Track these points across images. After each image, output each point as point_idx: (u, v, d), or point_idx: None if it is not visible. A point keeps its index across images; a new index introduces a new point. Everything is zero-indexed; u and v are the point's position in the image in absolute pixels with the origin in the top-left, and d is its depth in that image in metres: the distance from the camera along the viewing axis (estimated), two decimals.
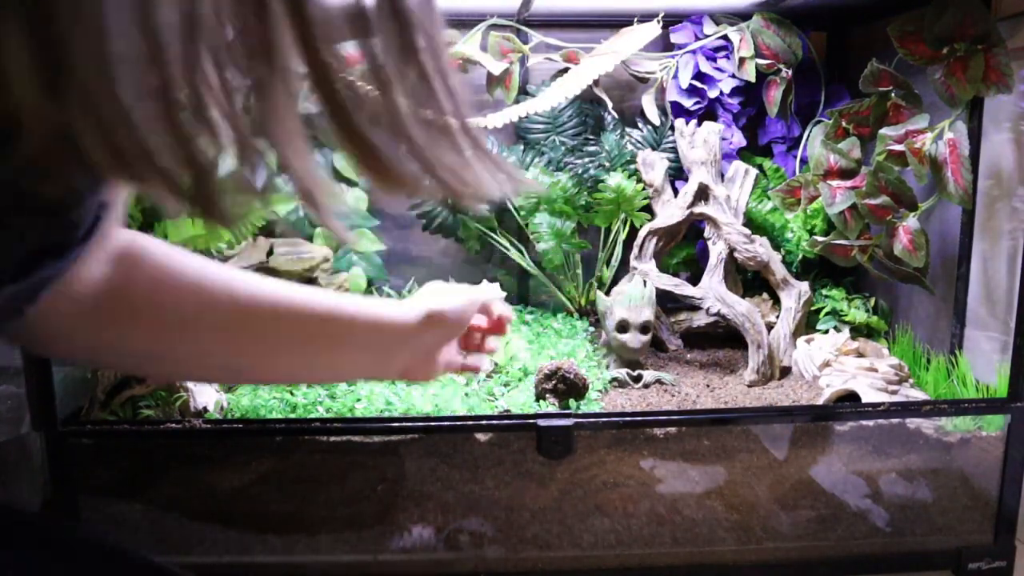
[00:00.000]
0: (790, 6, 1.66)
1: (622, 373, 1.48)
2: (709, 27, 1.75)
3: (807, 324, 1.66)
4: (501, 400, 1.34)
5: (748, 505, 1.23)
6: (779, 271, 1.64)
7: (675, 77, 1.77)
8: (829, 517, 1.25)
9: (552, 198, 1.76)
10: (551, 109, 1.72)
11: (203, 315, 0.59)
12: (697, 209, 1.68)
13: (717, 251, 1.66)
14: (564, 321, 1.80)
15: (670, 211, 1.69)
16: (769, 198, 1.75)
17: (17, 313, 0.46)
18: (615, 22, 1.77)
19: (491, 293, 0.88)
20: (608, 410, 1.36)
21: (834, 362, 1.47)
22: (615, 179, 1.75)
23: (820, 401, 1.39)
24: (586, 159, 1.80)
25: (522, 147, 1.83)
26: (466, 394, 1.36)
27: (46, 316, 0.52)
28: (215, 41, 0.35)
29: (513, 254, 1.86)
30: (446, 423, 1.20)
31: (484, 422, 1.21)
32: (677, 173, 1.79)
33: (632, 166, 1.79)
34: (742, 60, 1.69)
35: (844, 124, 1.54)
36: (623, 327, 1.53)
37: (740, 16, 1.73)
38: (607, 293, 1.61)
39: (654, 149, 1.81)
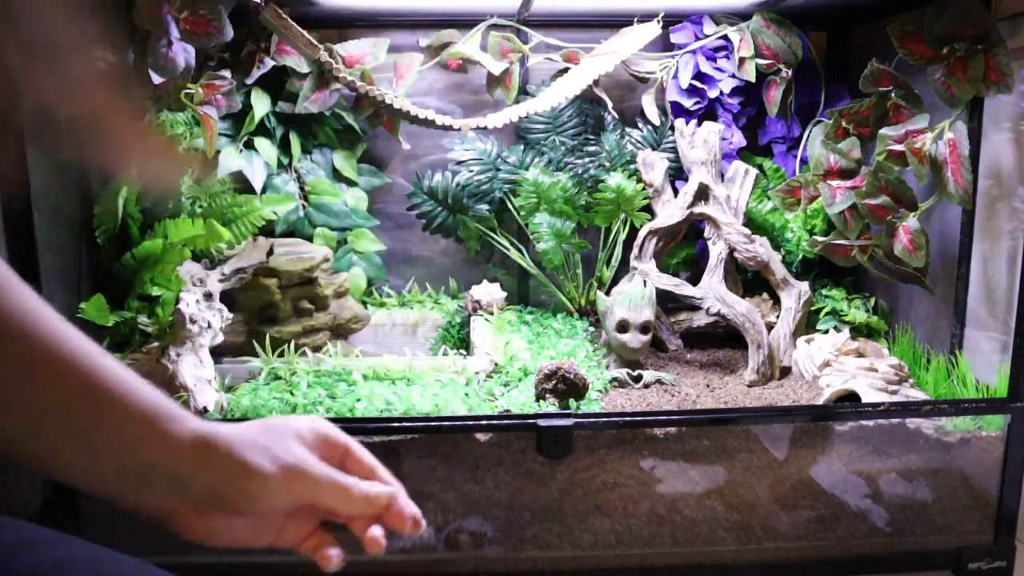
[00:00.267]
0: (790, 6, 1.66)
1: (622, 373, 1.48)
2: (709, 27, 1.75)
3: (807, 324, 1.66)
4: (501, 400, 1.34)
5: (748, 505, 1.23)
6: (779, 271, 1.64)
7: (675, 77, 1.77)
8: (829, 517, 1.25)
9: (552, 198, 1.76)
10: (551, 109, 1.72)
11: None
12: (697, 209, 1.67)
13: (717, 251, 1.66)
14: (564, 321, 1.80)
15: (670, 211, 1.69)
16: (769, 198, 1.75)
17: None
18: (615, 22, 1.77)
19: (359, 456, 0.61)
20: (608, 410, 1.36)
21: (834, 362, 1.47)
22: (615, 179, 1.75)
23: (820, 401, 1.39)
24: (586, 159, 1.80)
25: (522, 147, 1.83)
26: (466, 394, 1.35)
27: None
28: None
29: (513, 254, 1.86)
30: (446, 423, 1.20)
31: (484, 422, 1.21)
32: (677, 173, 1.79)
33: (632, 166, 1.79)
34: (742, 60, 1.69)
35: (844, 124, 1.54)
36: (623, 327, 1.52)
37: (740, 16, 1.73)
38: (607, 293, 1.61)
39: (654, 149, 1.81)
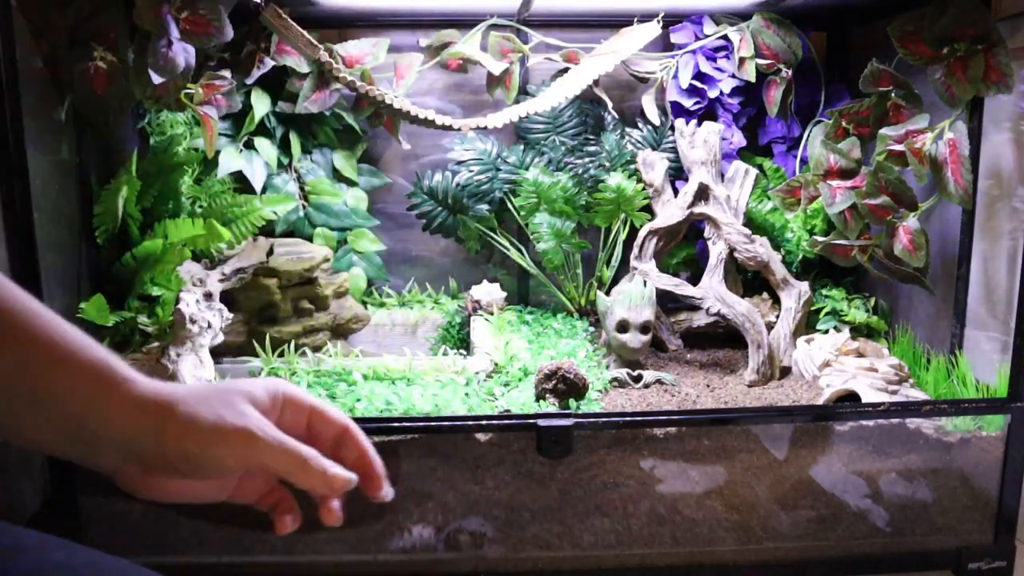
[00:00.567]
0: (790, 6, 1.66)
1: (622, 373, 1.48)
2: (709, 27, 1.75)
3: (807, 324, 1.66)
4: (501, 400, 1.34)
5: (748, 505, 1.23)
6: (779, 271, 1.64)
7: (675, 77, 1.77)
8: (829, 517, 1.25)
9: (552, 198, 1.76)
10: (551, 109, 1.72)
11: None
12: (697, 209, 1.68)
13: (717, 251, 1.66)
14: (564, 321, 1.80)
15: (670, 211, 1.69)
16: (769, 198, 1.75)
17: None
18: (615, 22, 1.77)
19: (302, 398, 0.59)
20: (608, 410, 1.36)
21: (834, 362, 1.47)
22: (615, 179, 1.75)
23: (820, 401, 1.39)
24: (586, 159, 1.80)
25: (522, 147, 1.83)
26: (466, 394, 1.35)
27: None
28: None
29: (513, 254, 1.86)
30: (446, 423, 1.20)
31: (484, 422, 1.21)
32: (677, 173, 1.79)
33: (632, 166, 1.79)
34: (742, 60, 1.69)
35: (844, 124, 1.54)
36: (623, 327, 1.52)
37: (740, 16, 1.73)
38: (607, 293, 1.61)
39: (654, 149, 1.81)
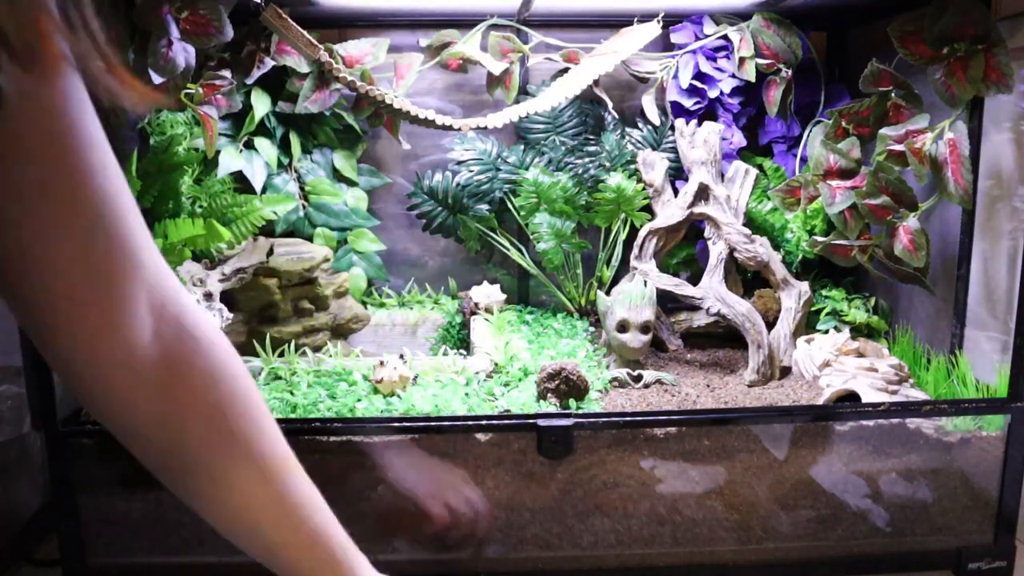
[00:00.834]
0: (790, 6, 1.66)
1: (622, 373, 1.48)
2: (709, 27, 1.75)
3: (807, 324, 1.66)
4: (501, 400, 1.34)
5: (748, 505, 1.23)
6: (779, 271, 1.64)
7: (675, 77, 1.77)
8: (829, 517, 1.25)
9: (552, 198, 1.76)
10: (551, 109, 1.72)
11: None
12: (697, 209, 1.68)
13: (717, 251, 1.66)
14: (564, 321, 1.80)
15: (670, 211, 1.69)
16: (769, 198, 1.75)
17: None
18: (615, 22, 1.77)
19: None
20: (608, 410, 1.36)
21: (834, 362, 1.47)
22: (615, 179, 1.75)
23: (820, 401, 1.39)
24: (586, 159, 1.80)
25: (522, 147, 1.83)
26: (466, 394, 1.35)
27: (108, 380, 0.55)
28: None
29: (513, 254, 1.86)
30: (446, 423, 1.20)
31: (484, 422, 1.21)
32: (677, 173, 1.79)
33: (632, 166, 1.79)
34: (742, 60, 1.69)
35: (844, 124, 1.54)
36: (623, 327, 1.53)
37: (740, 16, 1.73)
38: (607, 293, 1.61)
39: (654, 149, 1.81)
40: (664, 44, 1.80)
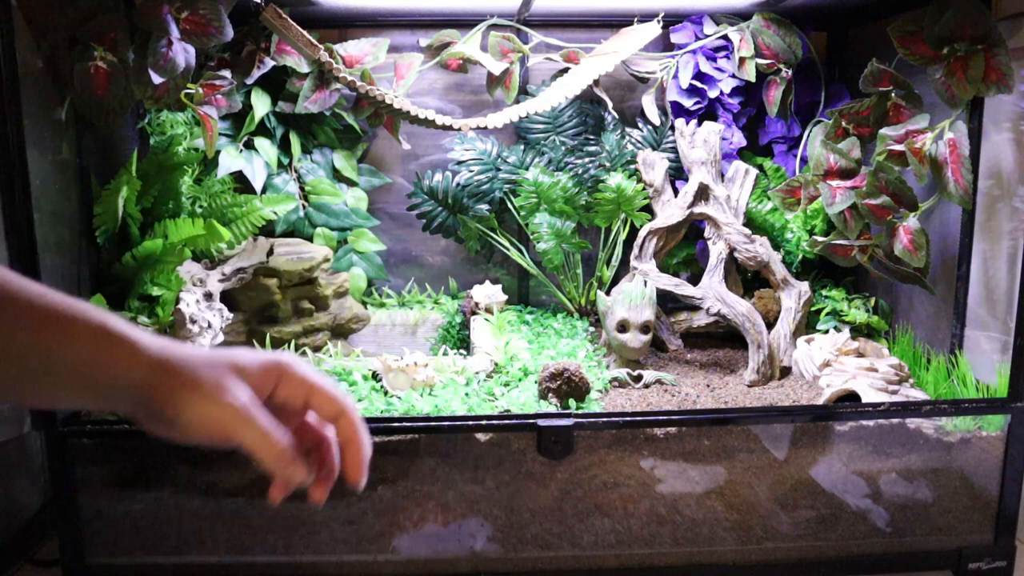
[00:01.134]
0: (790, 6, 1.66)
1: (622, 373, 1.48)
2: (709, 27, 1.75)
3: (807, 324, 1.66)
4: (501, 400, 1.34)
5: (748, 505, 1.23)
6: (779, 271, 1.64)
7: (675, 77, 1.77)
8: (829, 517, 1.25)
9: (552, 198, 1.76)
10: (551, 109, 1.72)
11: None
12: (697, 209, 1.68)
13: (717, 251, 1.66)
14: (564, 321, 1.80)
15: (670, 211, 1.69)
16: (769, 198, 1.75)
17: None
18: (615, 22, 1.77)
19: (300, 369, 0.60)
20: (608, 410, 1.36)
21: (834, 362, 1.47)
22: (615, 179, 1.75)
23: (820, 401, 1.39)
24: (586, 159, 1.80)
25: (522, 147, 1.83)
26: (466, 394, 1.35)
27: None
28: None
29: (513, 254, 1.86)
30: (446, 423, 1.20)
31: (484, 422, 1.21)
32: (677, 173, 1.79)
33: (632, 166, 1.79)
34: (742, 60, 1.69)
35: (844, 124, 1.54)
36: (623, 327, 1.53)
37: (740, 16, 1.73)
38: (607, 293, 1.61)
39: (654, 149, 1.81)
40: (664, 44, 1.80)
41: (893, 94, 1.46)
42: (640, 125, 1.83)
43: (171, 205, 1.53)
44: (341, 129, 1.82)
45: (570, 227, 1.78)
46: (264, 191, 1.69)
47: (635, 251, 1.70)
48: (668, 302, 1.74)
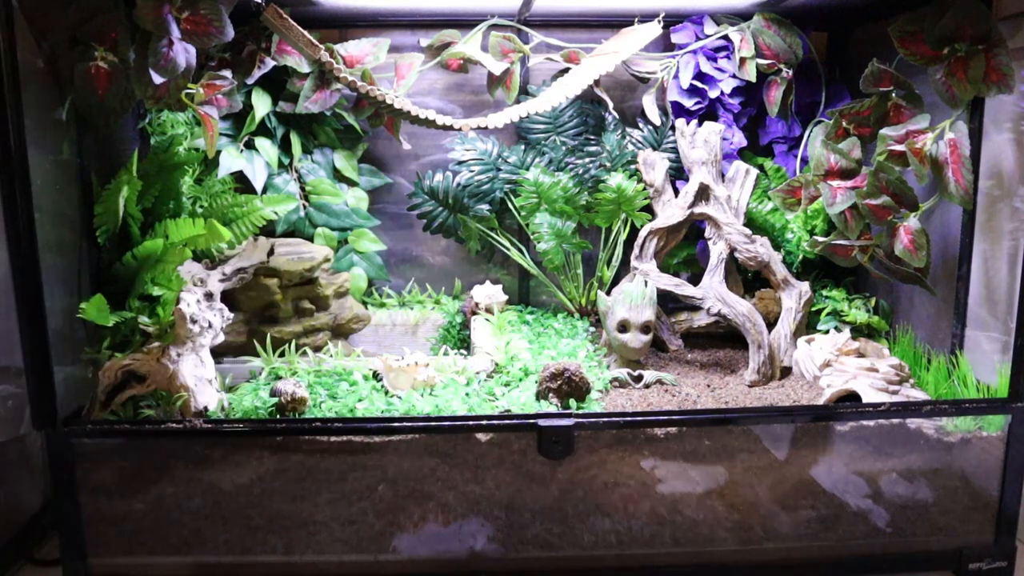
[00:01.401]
0: (791, 6, 1.66)
1: (623, 373, 1.48)
2: (710, 27, 1.75)
3: (808, 324, 1.66)
4: (502, 400, 1.34)
5: (748, 505, 1.23)
6: (780, 271, 1.64)
7: (676, 77, 1.77)
8: (829, 517, 1.25)
9: (553, 198, 1.76)
10: (552, 109, 1.72)
11: None
12: (698, 209, 1.68)
13: (717, 251, 1.66)
14: (565, 321, 1.80)
15: (671, 211, 1.69)
16: (770, 198, 1.75)
17: None
18: (615, 22, 1.77)
19: None
20: (609, 410, 1.36)
21: (835, 362, 1.47)
22: (616, 179, 1.75)
23: (821, 401, 1.39)
24: (587, 159, 1.80)
25: (523, 147, 1.83)
26: (467, 394, 1.35)
27: None
28: None
29: (513, 254, 1.86)
30: (446, 423, 1.20)
31: (484, 422, 1.21)
32: (678, 173, 1.79)
33: (633, 166, 1.79)
34: (743, 60, 1.69)
35: (845, 124, 1.54)
36: (624, 327, 1.53)
37: (741, 16, 1.73)
38: (608, 293, 1.61)
39: (655, 149, 1.81)
40: (665, 44, 1.80)
41: (894, 94, 1.46)
42: (641, 125, 1.83)
43: (172, 205, 1.53)
44: (342, 129, 1.82)
45: (570, 227, 1.78)
46: (265, 191, 1.69)
47: (635, 251, 1.70)
48: (669, 302, 1.74)
